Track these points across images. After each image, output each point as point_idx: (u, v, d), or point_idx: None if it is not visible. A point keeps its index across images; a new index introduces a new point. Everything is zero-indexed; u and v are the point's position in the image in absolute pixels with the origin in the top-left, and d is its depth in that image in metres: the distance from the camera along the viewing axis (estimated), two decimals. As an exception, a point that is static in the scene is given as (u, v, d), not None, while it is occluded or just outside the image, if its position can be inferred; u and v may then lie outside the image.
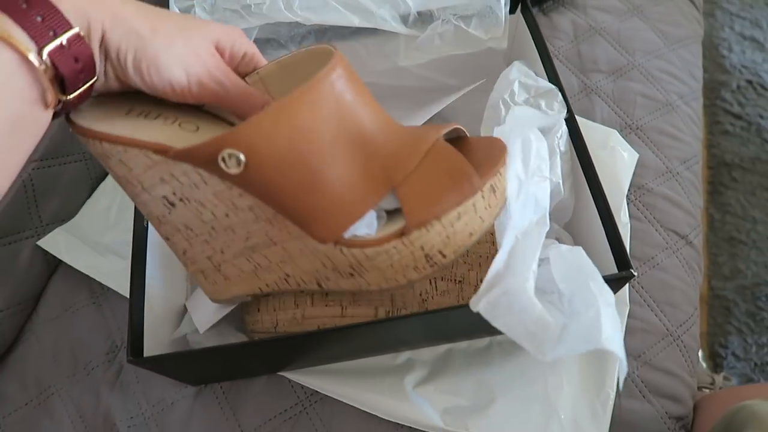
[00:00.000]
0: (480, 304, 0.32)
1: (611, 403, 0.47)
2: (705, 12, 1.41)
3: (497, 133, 0.40)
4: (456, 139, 0.40)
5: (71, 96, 0.29)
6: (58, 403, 0.52)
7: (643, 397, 0.50)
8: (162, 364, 0.41)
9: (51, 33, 0.27)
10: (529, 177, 0.37)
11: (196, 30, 0.33)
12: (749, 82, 1.32)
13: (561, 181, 0.44)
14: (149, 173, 0.34)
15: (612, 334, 0.32)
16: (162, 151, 0.33)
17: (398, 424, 0.48)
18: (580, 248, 0.37)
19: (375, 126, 0.34)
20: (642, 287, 0.54)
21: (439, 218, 0.33)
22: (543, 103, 0.47)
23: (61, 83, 0.28)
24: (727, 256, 1.12)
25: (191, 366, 0.44)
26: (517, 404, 0.47)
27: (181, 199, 0.35)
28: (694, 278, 0.57)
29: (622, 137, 0.60)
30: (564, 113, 0.46)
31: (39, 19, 0.26)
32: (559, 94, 0.48)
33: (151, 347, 0.41)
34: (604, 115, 0.63)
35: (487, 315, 0.33)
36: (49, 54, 0.27)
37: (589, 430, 0.46)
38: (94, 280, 0.56)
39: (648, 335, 0.52)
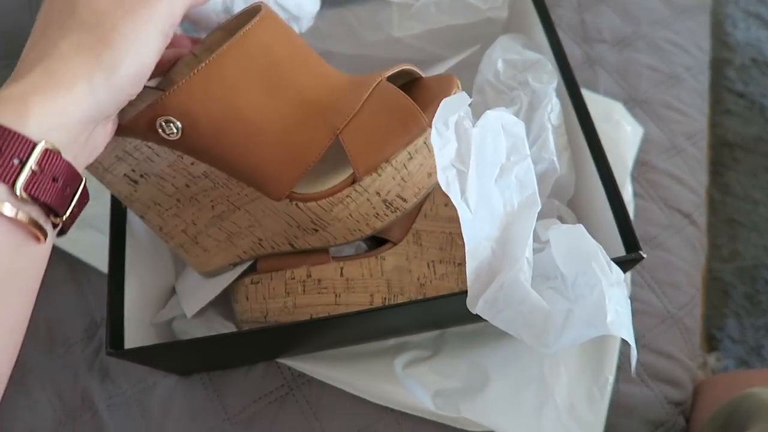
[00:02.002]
0: (478, 305, 0.30)
1: (609, 388, 0.46)
2: (710, -13, 1.38)
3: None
4: (410, 82, 0.39)
5: (67, 215, 0.26)
6: (35, 381, 0.50)
7: (642, 381, 0.49)
8: (145, 356, 0.39)
9: (16, 162, 0.22)
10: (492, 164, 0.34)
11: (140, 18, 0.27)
12: (753, 60, 1.29)
13: (555, 158, 0.42)
14: (105, 152, 0.33)
15: (617, 317, 0.30)
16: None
17: (388, 407, 0.46)
18: (581, 226, 0.35)
19: (312, 76, 0.34)
20: (643, 267, 0.52)
21: (389, 160, 0.33)
22: (530, 77, 0.45)
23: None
24: (727, 238, 1.11)
25: (176, 357, 0.42)
26: (511, 387, 0.45)
27: (141, 175, 0.36)
28: (697, 258, 0.55)
29: (627, 110, 0.58)
30: (554, 84, 0.44)
31: None
32: (548, 64, 0.45)
33: (133, 333, 0.38)
34: (607, 87, 0.61)
35: (486, 315, 0.31)
36: (23, 188, 0.23)
37: (585, 416, 0.45)
38: (73, 255, 0.54)
39: (648, 317, 0.51)
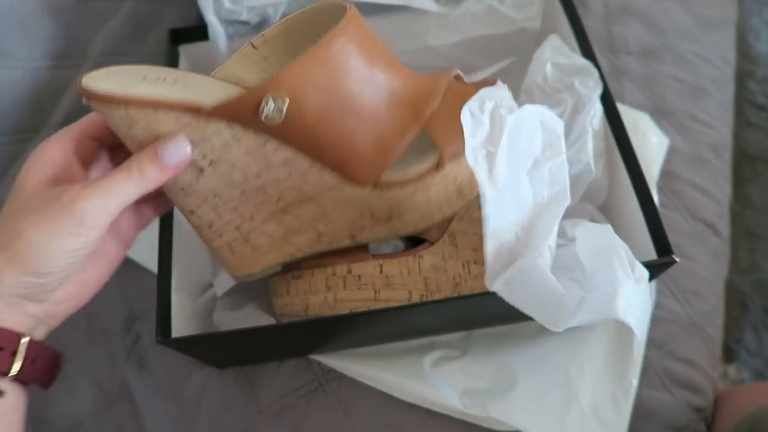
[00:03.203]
0: (495, 284, 0.32)
1: (633, 391, 0.47)
2: None
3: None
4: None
5: (15, 371, 0.30)
6: (75, 370, 0.52)
7: (664, 386, 0.50)
8: (190, 345, 0.41)
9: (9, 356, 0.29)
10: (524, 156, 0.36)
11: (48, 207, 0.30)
12: (776, 72, 1.29)
13: (592, 161, 0.43)
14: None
15: (628, 307, 0.32)
16: (194, 109, 0.32)
17: (415, 404, 0.47)
18: (608, 226, 0.36)
19: (394, 70, 0.35)
20: (668, 276, 0.53)
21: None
22: (576, 82, 0.46)
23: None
24: (746, 250, 1.11)
25: (218, 348, 0.43)
26: (537, 389, 0.46)
27: (210, 163, 0.34)
28: (719, 268, 0.56)
29: (653, 121, 0.59)
30: (599, 91, 0.45)
31: None
32: (595, 71, 0.46)
33: (176, 324, 0.40)
34: (633, 98, 0.62)
35: (502, 292, 0.32)
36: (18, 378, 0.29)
37: (609, 418, 0.46)
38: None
39: (672, 325, 0.52)
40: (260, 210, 0.37)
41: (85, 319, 0.54)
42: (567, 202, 0.36)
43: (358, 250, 0.43)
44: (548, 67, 0.47)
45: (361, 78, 0.33)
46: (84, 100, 0.32)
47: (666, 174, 0.58)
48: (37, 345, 0.31)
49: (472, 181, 0.37)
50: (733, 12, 0.70)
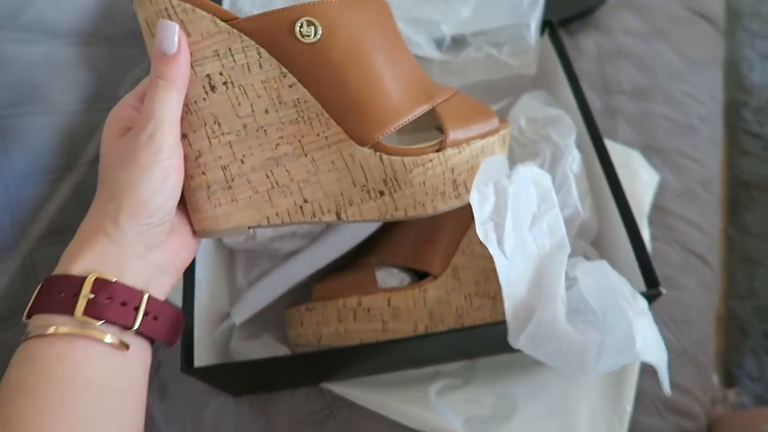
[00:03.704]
0: (520, 341, 0.35)
1: (628, 417, 0.49)
2: (726, 32, 1.42)
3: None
4: None
5: (137, 325, 0.31)
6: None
7: (658, 413, 0.52)
8: (213, 374, 0.43)
9: (69, 295, 0.29)
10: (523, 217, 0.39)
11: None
12: (770, 102, 1.33)
13: (578, 204, 0.46)
14: (206, 43, 0.33)
15: (645, 344, 0.34)
16: (231, 17, 0.33)
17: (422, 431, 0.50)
18: (605, 262, 0.39)
19: (412, 59, 0.38)
20: (660, 305, 0.56)
21: (469, 143, 0.37)
22: (551, 132, 0.50)
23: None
24: (744, 276, 1.13)
25: (237, 376, 0.46)
26: (537, 416, 0.49)
27: (225, 83, 0.33)
28: (710, 298, 0.59)
29: (644, 158, 0.62)
30: (573, 137, 0.49)
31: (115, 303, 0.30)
32: (568, 118, 0.50)
33: (197, 354, 0.43)
34: (626, 135, 0.65)
35: (527, 350, 0.35)
36: (82, 312, 0.29)
37: (605, 443, 0.48)
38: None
39: (665, 352, 0.54)
40: (255, 153, 0.35)
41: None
42: (568, 249, 0.39)
43: (367, 281, 0.46)
44: (522, 121, 0.51)
45: (392, 39, 0.36)
46: None
47: (657, 208, 0.61)
48: (158, 302, 0.32)
49: (468, 180, 0.37)
50: (720, 52, 0.74)
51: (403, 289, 0.45)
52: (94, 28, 0.56)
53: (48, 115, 0.52)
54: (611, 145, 0.63)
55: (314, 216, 0.36)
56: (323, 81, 0.34)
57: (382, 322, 0.45)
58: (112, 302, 0.30)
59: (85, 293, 0.29)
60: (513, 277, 0.36)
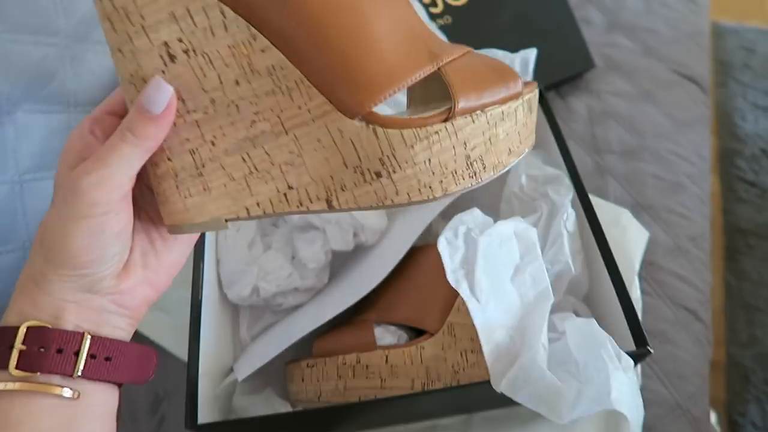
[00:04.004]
0: (502, 384, 0.36)
1: (622, 472, 0.50)
2: (718, 82, 1.47)
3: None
4: None
5: (79, 370, 0.29)
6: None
7: (654, 467, 0.53)
8: (216, 431, 0.45)
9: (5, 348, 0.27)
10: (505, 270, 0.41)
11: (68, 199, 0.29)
12: (763, 150, 1.36)
13: (570, 260, 0.49)
14: (160, 4, 0.28)
15: (621, 396, 0.36)
16: None
17: (420, 484, 0.51)
18: (593, 320, 0.41)
19: (416, 14, 0.32)
20: (653, 360, 0.58)
21: (485, 110, 0.30)
22: (550, 190, 0.53)
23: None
24: (745, 323, 1.13)
25: None
26: (533, 470, 0.50)
27: (186, 51, 0.29)
28: (703, 352, 0.60)
29: (634, 215, 0.65)
30: (570, 196, 0.51)
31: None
32: (567, 178, 0.52)
33: (200, 409, 0.44)
34: (617, 193, 0.68)
35: (508, 392, 0.37)
36: (15, 367, 0.27)
37: (601, 499, 0.49)
38: (142, 333, 0.60)
39: (658, 407, 0.55)
40: (227, 134, 0.30)
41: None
42: (551, 300, 0.41)
43: (366, 339, 0.48)
44: (523, 179, 0.54)
45: None
46: None
47: (648, 264, 0.63)
48: (110, 342, 0.29)
49: (486, 154, 0.31)
50: (706, 111, 0.77)
51: (400, 346, 0.47)
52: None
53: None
54: (602, 204, 0.66)
55: (301, 204, 0.31)
56: (300, 41, 0.29)
57: (380, 379, 0.46)
58: (46, 351, 0.28)
59: (18, 345, 0.27)
60: (490, 321, 0.38)
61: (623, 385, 0.37)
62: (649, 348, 0.43)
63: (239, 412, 0.51)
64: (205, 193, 0.31)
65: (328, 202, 0.31)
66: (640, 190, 0.68)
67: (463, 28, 0.74)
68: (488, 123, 0.30)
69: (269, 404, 0.51)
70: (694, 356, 0.59)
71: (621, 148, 0.71)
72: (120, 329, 0.31)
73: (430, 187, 0.30)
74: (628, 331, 0.45)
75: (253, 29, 0.29)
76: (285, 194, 0.31)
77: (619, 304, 0.46)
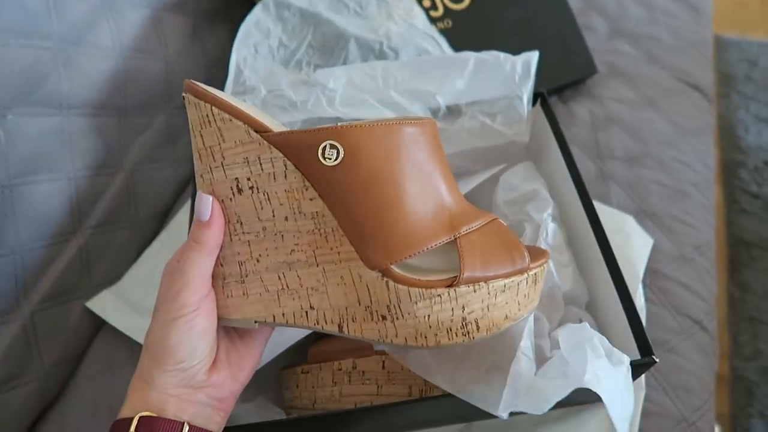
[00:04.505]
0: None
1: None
2: (721, 94, 1.47)
3: None
4: None
5: None
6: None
7: (659, 481, 0.51)
8: None
9: None
10: None
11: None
12: (766, 162, 1.35)
13: (556, 277, 0.48)
14: (238, 150, 0.36)
15: (596, 378, 0.35)
16: (264, 129, 0.36)
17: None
18: (586, 324, 0.40)
19: (449, 180, 0.38)
20: (657, 371, 0.56)
21: (488, 282, 0.35)
22: (531, 209, 0.52)
23: None
24: (749, 336, 1.12)
25: None
26: (533, 483, 0.48)
27: (251, 187, 0.36)
28: (709, 363, 0.59)
29: (637, 222, 0.64)
30: (548, 210, 0.51)
31: None
32: (544, 190, 0.52)
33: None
34: (620, 200, 0.67)
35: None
36: None
37: None
38: (133, 340, 0.59)
39: (663, 420, 0.54)
40: (270, 255, 0.37)
41: (105, 410, 0.57)
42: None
43: (362, 344, 0.46)
44: (503, 207, 0.54)
45: (418, 168, 0.36)
46: (184, 93, 0.37)
47: (652, 272, 0.61)
48: (203, 430, 0.35)
49: (481, 318, 0.36)
50: (711, 120, 0.77)
51: (397, 353, 0.46)
52: (105, 100, 0.59)
53: (56, 181, 0.54)
54: (605, 210, 0.64)
55: (317, 323, 0.37)
56: (341, 201, 0.35)
57: (377, 386, 0.45)
58: None
59: (132, 431, 0.33)
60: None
61: (602, 371, 0.36)
62: (654, 357, 0.42)
63: (232, 420, 0.49)
64: (243, 297, 0.38)
65: (340, 327, 0.36)
66: (643, 197, 0.67)
67: (464, 32, 0.73)
68: (488, 293, 0.36)
69: (263, 411, 0.49)
70: (699, 368, 0.58)
71: (624, 154, 0.70)
72: (214, 422, 0.37)
73: (425, 337, 0.35)
74: (633, 340, 0.44)
75: (306, 182, 0.35)
76: (306, 312, 0.37)
77: (623, 312, 0.45)
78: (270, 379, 0.52)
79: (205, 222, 0.36)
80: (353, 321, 0.36)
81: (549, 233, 0.49)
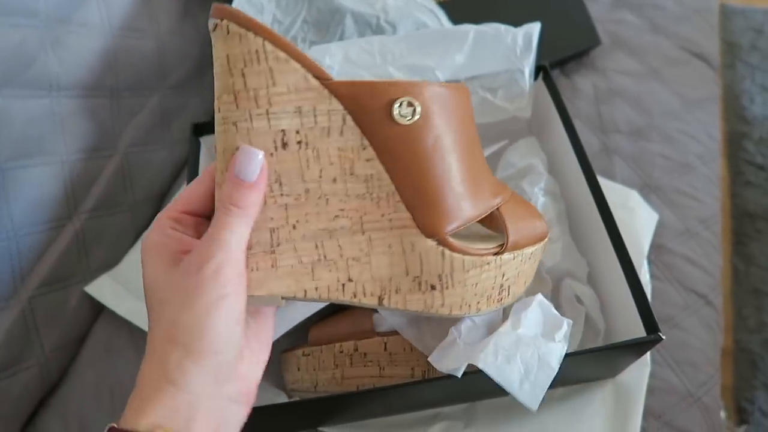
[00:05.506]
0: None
1: (632, 462, 0.48)
2: (725, 64, 1.44)
3: None
4: None
5: None
6: (97, 444, 0.54)
7: (664, 457, 0.51)
8: None
9: None
10: None
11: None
12: (771, 133, 1.33)
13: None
14: (290, 97, 0.31)
15: (492, 354, 0.36)
16: (325, 77, 0.31)
17: (421, 476, 0.49)
18: (539, 294, 0.40)
19: (481, 153, 0.37)
20: (662, 347, 0.55)
21: (522, 249, 0.37)
22: (526, 184, 0.52)
23: None
24: (753, 309, 1.11)
25: None
26: (538, 461, 0.48)
27: (299, 142, 0.31)
28: (714, 338, 0.58)
29: (642, 197, 0.62)
30: (540, 185, 0.51)
31: None
32: (539, 164, 0.52)
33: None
34: (624, 174, 0.66)
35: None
36: None
37: (609, 490, 0.47)
38: (134, 324, 0.59)
39: (669, 395, 0.53)
40: (310, 221, 0.32)
41: (107, 393, 0.57)
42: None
43: (363, 326, 0.46)
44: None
45: (474, 133, 0.35)
46: (212, 23, 0.30)
47: (656, 247, 0.61)
48: None
49: (513, 285, 0.37)
50: (716, 91, 0.75)
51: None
52: (97, 80, 0.57)
53: (49, 165, 0.53)
54: (609, 185, 0.63)
55: (354, 296, 0.34)
56: (406, 164, 0.32)
57: (379, 368, 0.44)
58: None
59: None
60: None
61: (503, 345, 0.36)
62: (660, 334, 0.41)
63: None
64: (272, 270, 0.33)
65: (380, 299, 0.34)
66: (647, 171, 0.66)
67: (463, 5, 0.71)
68: (522, 260, 0.37)
69: (264, 394, 0.49)
70: (704, 343, 0.57)
71: (628, 127, 0.69)
72: (239, 420, 0.32)
73: (468, 305, 0.35)
74: (638, 317, 0.43)
75: (365, 140, 0.32)
76: (343, 285, 0.34)
77: (628, 289, 0.44)
78: (271, 362, 0.51)
79: (252, 183, 0.30)
80: (396, 293, 0.34)
81: (539, 207, 0.49)
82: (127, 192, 0.63)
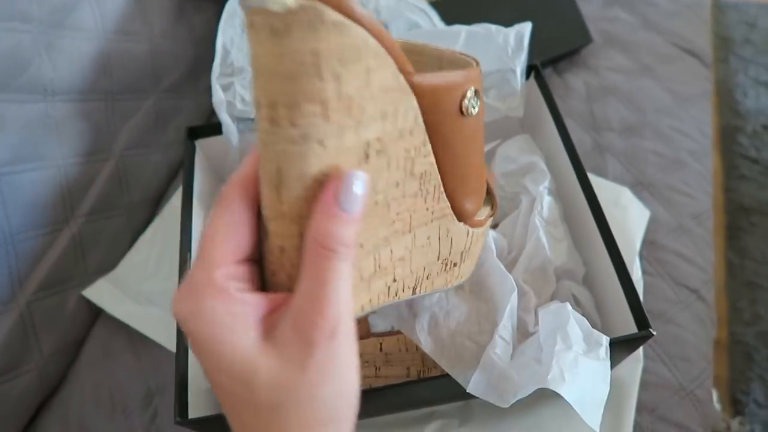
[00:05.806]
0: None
1: (625, 456, 0.49)
2: (719, 58, 1.45)
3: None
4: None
5: None
6: (96, 445, 0.55)
7: (658, 451, 0.52)
8: (207, 425, 0.43)
9: None
10: None
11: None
12: (765, 126, 1.34)
13: (548, 250, 0.47)
14: (379, 100, 0.25)
15: (559, 376, 0.35)
16: (408, 72, 0.26)
17: (418, 473, 0.50)
18: (567, 304, 0.40)
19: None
20: (655, 341, 0.56)
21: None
22: (528, 181, 0.52)
23: None
24: (747, 302, 1.12)
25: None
26: (532, 457, 0.49)
27: (378, 152, 0.26)
28: (706, 332, 0.59)
29: (634, 194, 0.63)
30: (545, 183, 0.50)
31: None
32: (542, 162, 0.52)
33: (192, 402, 0.43)
34: (616, 172, 0.66)
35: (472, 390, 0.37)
36: None
37: (603, 484, 0.48)
38: (132, 327, 0.60)
39: (661, 390, 0.54)
40: (374, 234, 0.28)
41: (106, 396, 0.57)
42: (514, 290, 0.41)
43: (359, 326, 0.46)
44: (499, 179, 0.53)
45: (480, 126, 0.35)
46: (290, 3, 0.20)
47: (649, 243, 0.61)
48: None
49: (480, 251, 0.40)
50: (708, 86, 0.75)
51: (394, 333, 0.46)
52: (91, 84, 0.58)
53: (45, 169, 0.54)
54: (601, 183, 0.64)
55: (396, 295, 0.32)
56: (457, 153, 0.30)
57: (375, 368, 0.45)
58: None
59: None
60: None
61: (568, 365, 0.36)
62: (651, 330, 0.41)
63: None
64: None
65: (414, 290, 0.33)
66: (640, 168, 0.66)
67: (455, 5, 0.72)
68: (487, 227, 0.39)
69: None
70: (697, 337, 0.58)
71: (620, 125, 0.70)
72: None
73: (469, 269, 0.37)
74: (630, 314, 0.43)
75: (426, 136, 0.29)
76: (389, 287, 0.31)
77: (620, 285, 0.45)
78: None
79: (356, 216, 0.24)
80: (427, 279, 0.34)
81: (544, 207, 0.49)
82: (124, 195, 0.63)
